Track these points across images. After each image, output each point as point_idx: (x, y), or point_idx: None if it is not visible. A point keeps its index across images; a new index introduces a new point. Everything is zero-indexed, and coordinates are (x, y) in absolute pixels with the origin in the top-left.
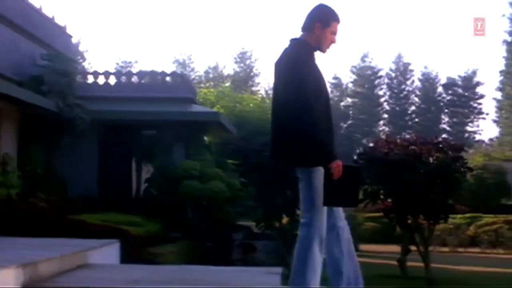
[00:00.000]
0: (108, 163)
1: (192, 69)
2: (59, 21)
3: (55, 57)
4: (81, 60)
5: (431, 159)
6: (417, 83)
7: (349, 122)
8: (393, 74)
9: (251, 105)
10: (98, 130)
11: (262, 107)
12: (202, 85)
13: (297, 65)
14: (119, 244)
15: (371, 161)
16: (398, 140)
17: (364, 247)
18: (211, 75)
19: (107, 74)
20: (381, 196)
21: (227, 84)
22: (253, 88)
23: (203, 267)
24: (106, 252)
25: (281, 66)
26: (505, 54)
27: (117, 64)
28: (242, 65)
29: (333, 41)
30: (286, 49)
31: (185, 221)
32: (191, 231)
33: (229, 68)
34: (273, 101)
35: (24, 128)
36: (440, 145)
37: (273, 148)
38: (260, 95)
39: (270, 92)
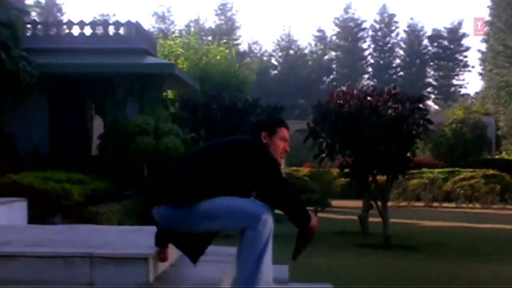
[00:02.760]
0: (59, 120)
1: (172, 22)
2: None
3: None
4: (57, 12)
5: (390, 111)
6: (402, 35)
7: (332, 76)
8: (377, 26)
9: (218, 57)
10: (48, 85)
11: (229, 60)
12: (182, 38)
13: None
14: (26, 203)
15: (325, 114)
16: (355, 92)
17: (336, 203)
18: (192, 29)
19: (58, 25)
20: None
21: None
22: (236, 42)
23: (95, 227)
24: (6, 212)
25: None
26: (489, 3)
27: (94, 17)
28: (223, 17)
29: (285, 148)
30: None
31: (140, 179)
32: (145, 190)
33: (210, 21)
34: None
35: None
36: (398, 96)
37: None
38: (239, 48)
39: (253, 45)
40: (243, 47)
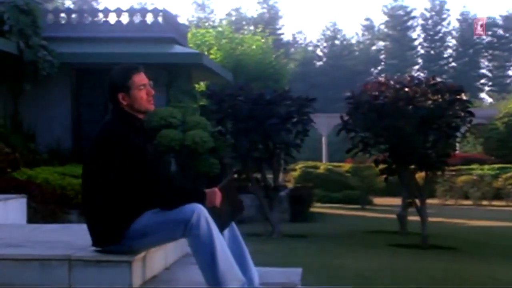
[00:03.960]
0: (81, 112)
1: (212, 11)
2: None
3: None
4: (93, 1)
5: (428, 103)
6: (454, 24)
7: (380, 67)
8: (427, 14)
9: (254, 47)
10: (69, 76)
11: (265, 49)
12: (221, 29)
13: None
14: (25, 200)
15: (357, 106)
16: (392, 82)
17: (378, 200)
18: (233, 18)
19: (81, 13)
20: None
21: (224, 23)
22: (279, 32)
23: (56, 226)
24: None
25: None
26: None
27: (131, 6)
28: (265, 6)
29: (149, 93)
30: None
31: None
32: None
33: (252, 10)
34: None
35: None
36: (437, 87)
37: None
38: (282, 38)
39: (297, 35)
40: (287, 37)
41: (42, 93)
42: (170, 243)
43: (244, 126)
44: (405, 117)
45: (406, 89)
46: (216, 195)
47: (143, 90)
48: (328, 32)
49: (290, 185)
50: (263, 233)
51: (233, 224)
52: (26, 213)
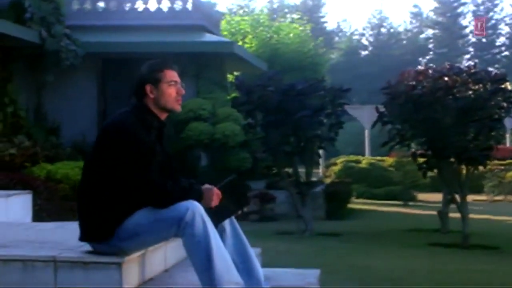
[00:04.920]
0: (108, 104)
1: None
2: None
3: None
4: None
5: (470, 93)
6: (508, 11)
7: (428, 56)
8: (479, 0)
9: (291, 35)
10: (95, 66)
11: (303, 38)
12: (256, 16)
13: None
14: (30, 197)
15: (394, 96)
16: (430, 71)
17: (423, 196)
18: (275, 5)
19: (107, 0)
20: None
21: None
22: (322, 20)
23: (52, 224)
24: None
25: None
26: None
27: None
28: None
29: (179, 92)
30: None
31: (196, 170)
32: (201, 181)
33: None
34: None
35: (4, 63)
36: (478, 76)
37: None
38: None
39: (342, 23)
40: (331, 25)
41: (66, 84)
42: (163, 242)
43: (274, 119)
44: (444, 108)
45: (445, 79)
46: (213, 195)
47: (173, 87)
48: (374, 20)
49: (330, 180)
50: (296, 231)
51: (235, 222)
52: (31, 210)
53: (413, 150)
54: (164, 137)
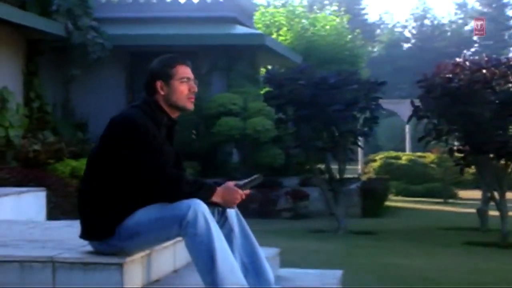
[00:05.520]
0: (137, 99)
1: None
2: None
3: None
4: None
5: (509, 86)
6: None
7: (473, 49)
8: None
9: (328, 27)
10: (124, 59)
11: (340, 30)
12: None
13: None
14: (44, 194)
15: (429, 90)
16: (467, 63)
17: (465, 193)
18: None
19: None
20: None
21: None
22: (363, 12)
23: (60, 223)
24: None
25: None
26: None
27: None
28: None
29: (192, 89)
30: None
31: (228, 166)
32: (232, 178)
33: None
34: None
35: (30, 57)
36: None
37: None
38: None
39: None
40: (372, 18)
41: (94, 78)
42: (168, 242)
43: (305, 113)
44: (482, 102)
45: (483, 71)
46: (236, 195)
47: (185, 84)
48: (418, 12)
49: (368, 177)
50: (328, 229)
51: (243, 222)
52: (45, 208)
53: (451, 145)
54: (174, 136)
